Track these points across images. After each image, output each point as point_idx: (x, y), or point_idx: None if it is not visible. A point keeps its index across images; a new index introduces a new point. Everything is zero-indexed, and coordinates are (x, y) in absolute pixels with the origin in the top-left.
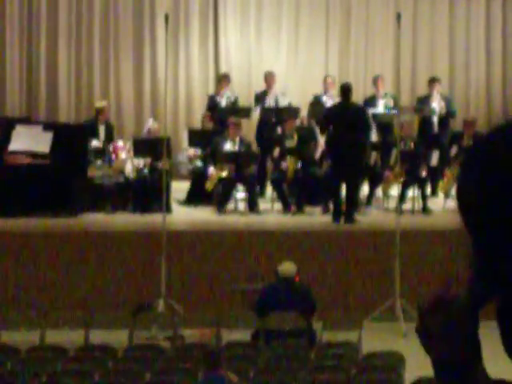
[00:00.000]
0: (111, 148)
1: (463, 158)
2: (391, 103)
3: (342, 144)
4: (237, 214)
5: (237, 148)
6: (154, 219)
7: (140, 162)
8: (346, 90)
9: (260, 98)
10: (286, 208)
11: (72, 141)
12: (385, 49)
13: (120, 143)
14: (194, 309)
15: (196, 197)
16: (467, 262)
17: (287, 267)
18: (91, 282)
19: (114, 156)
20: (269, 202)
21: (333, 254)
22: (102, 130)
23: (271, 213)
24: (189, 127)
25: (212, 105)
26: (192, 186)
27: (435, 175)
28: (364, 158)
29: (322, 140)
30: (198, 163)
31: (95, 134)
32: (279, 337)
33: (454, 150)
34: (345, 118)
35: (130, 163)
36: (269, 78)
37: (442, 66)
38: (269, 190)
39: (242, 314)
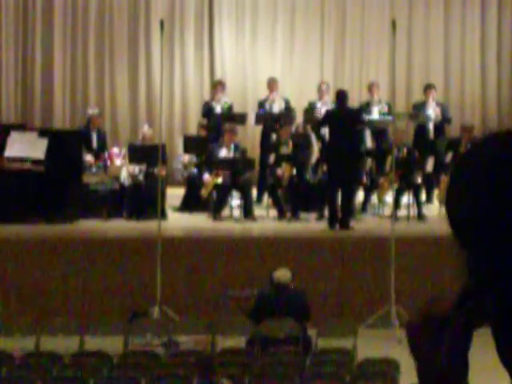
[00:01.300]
0: (106, 154)
1: (454, 167)
2: (386, 110)
3: (338, 150)
4: (232, 220)
5: (232, 154)
6: (149, 226)
7: (135, 168)
8: (341, 97)
9: (262, 104)
10: (281, 214)
11: (67, 147)
12: (380, 55)
13: (115, 150)
14: (189, 315)
15: (191, 203)
16: (459, 273)
17: (282, 274)
18: (86, 288)
19: (109, 162)
20: (264, 208)
21: (328, 260)
22: (94, 137)
23: (266, 219)
24: (184, 134)
25: (206, 111)
26: (187, 193)
27: (430, 182)
28: (360, 165)
29: (316, 147)
30: (193, 170)
31: (88, 142)
32: (274, 343)
33: (449, 157)
34: (341, 123)
35: (125, 170)
36: (271, 84)
37: (436, 73)
38: (264, 196)
39: (236, 320)
